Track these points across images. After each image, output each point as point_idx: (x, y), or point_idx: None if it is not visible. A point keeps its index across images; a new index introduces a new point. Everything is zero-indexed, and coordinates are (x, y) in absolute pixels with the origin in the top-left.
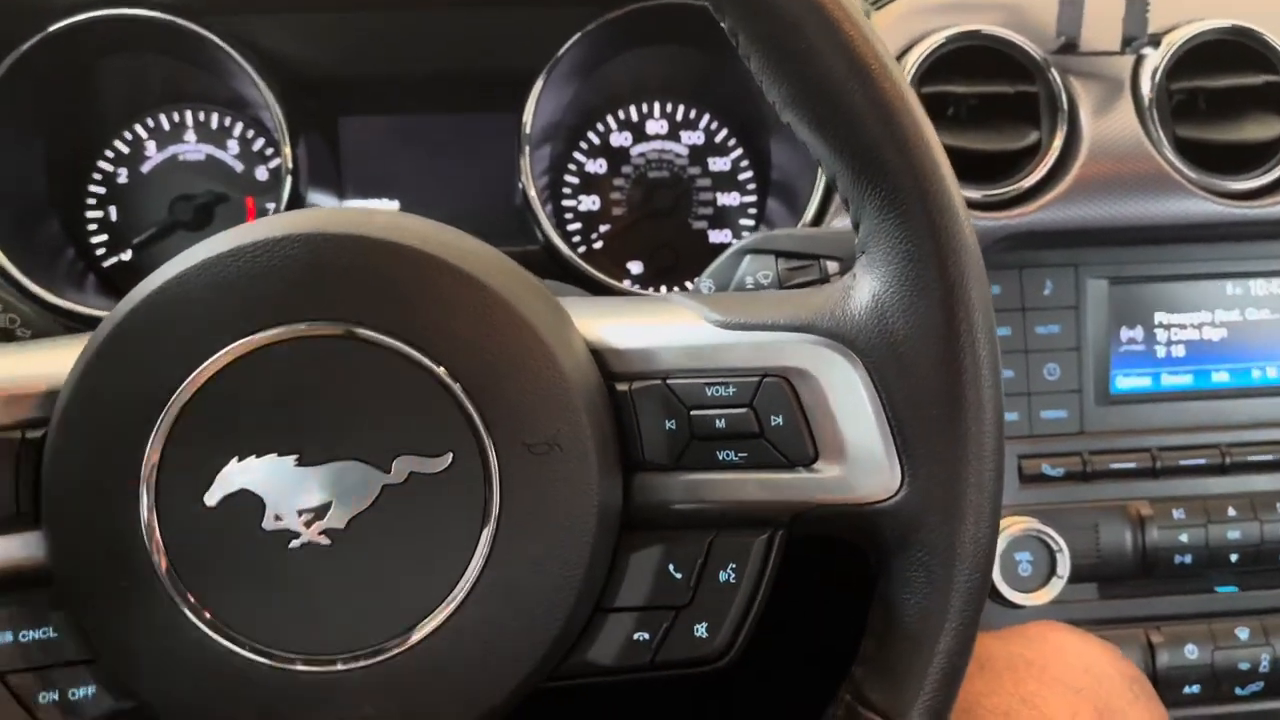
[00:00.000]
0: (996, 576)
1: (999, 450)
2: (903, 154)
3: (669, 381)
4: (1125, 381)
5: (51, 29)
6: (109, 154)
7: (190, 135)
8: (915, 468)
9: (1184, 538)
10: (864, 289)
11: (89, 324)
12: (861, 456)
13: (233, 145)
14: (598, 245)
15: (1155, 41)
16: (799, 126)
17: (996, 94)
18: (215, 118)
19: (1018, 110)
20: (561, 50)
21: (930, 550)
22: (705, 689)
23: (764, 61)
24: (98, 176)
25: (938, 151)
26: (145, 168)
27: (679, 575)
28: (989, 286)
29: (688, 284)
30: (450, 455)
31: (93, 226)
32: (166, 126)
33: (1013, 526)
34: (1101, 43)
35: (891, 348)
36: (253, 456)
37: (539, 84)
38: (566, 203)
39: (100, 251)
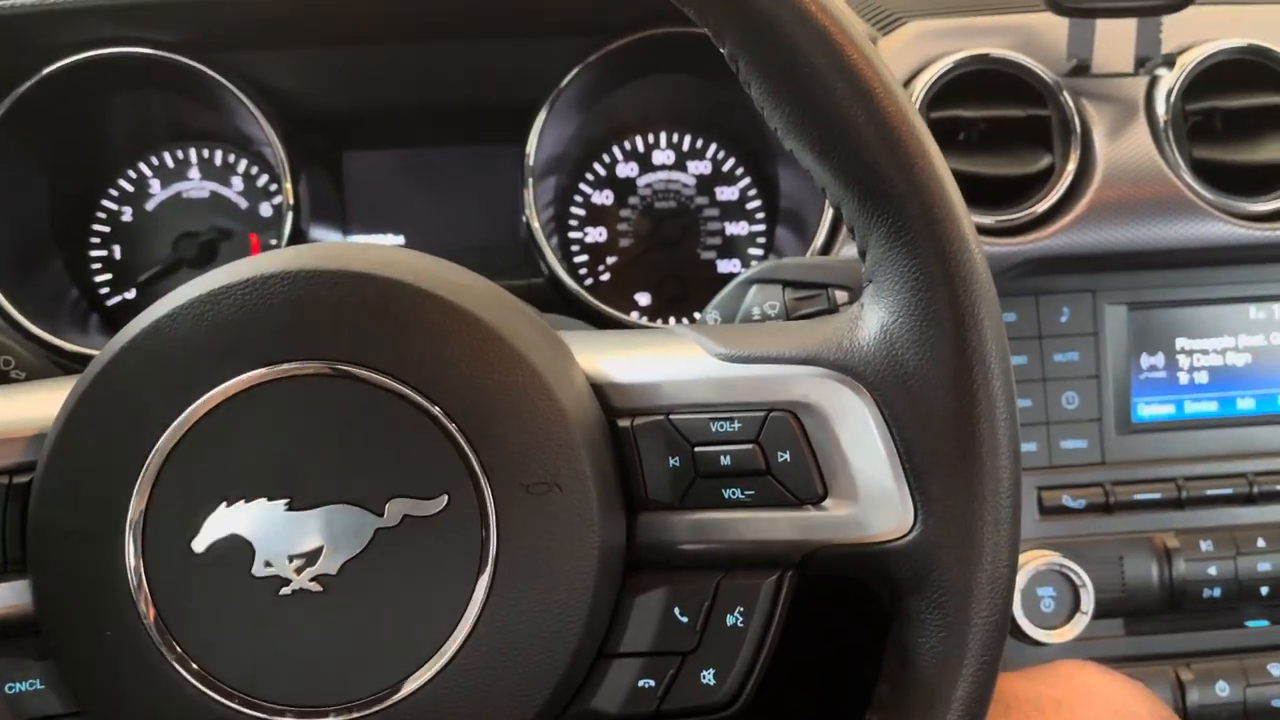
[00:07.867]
0: (1019, 613)
1: (1016, 486)
2: (909, 179)
3: (672, 417)
4: (1147, 409)
5: (53, 67)
6: (113, 192)
7: (194, 172)
8: (929, 505)
9: (1212, 570)
10: (872, 319)
11: None
12: (873, 494)
13: (236, 182)
14: (605, 277)
15: (1169, 62)
16: (802, 153)
17: (1007, 118)
18: (219, 155)
19: (1030, 134)
20: (564, 81)
21: (946, 591)
22: None
23: (765, 87)
24: (102, 215)
25: (945, 176)
26: (150, 205)
27: (685, 619)
28: (1001, 314)
29: (696, 315)
30: (445, 497)
31: (96, 265)
32: (171, 164)
33: (1034, 561)
34: (1114, 65)
35: (901, 380)
36: (242, 501)
37: (542, 115)
38: (573, 235)
39: (104, 290)
